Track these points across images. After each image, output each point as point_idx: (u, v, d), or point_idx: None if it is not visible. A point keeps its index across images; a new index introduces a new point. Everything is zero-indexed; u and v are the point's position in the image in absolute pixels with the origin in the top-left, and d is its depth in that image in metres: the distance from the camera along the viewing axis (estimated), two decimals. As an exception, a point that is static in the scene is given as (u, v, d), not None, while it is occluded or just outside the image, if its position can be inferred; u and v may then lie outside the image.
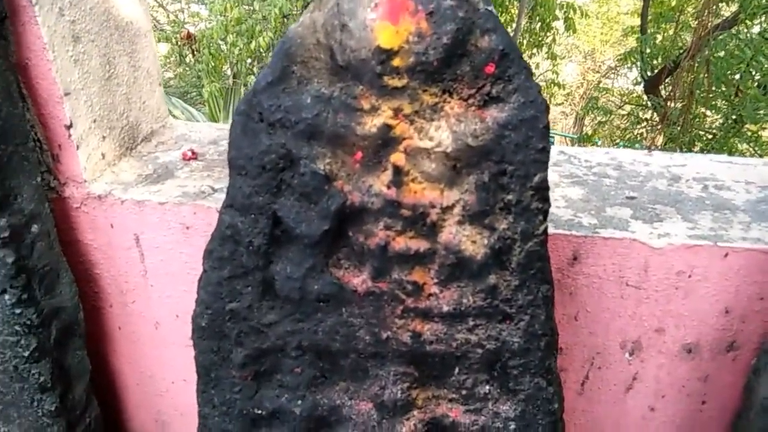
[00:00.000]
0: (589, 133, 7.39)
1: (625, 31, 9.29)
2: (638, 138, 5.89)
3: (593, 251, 1.22)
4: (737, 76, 4.46)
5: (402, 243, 0.94)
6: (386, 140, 0.90)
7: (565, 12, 5.81)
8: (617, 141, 6.64)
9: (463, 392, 1.02)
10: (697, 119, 5.15)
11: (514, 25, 5.56)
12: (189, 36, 5.70)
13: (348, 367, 1.03)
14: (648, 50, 5.31)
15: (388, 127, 0.89)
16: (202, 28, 5.75)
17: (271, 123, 0.91)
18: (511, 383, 1.00)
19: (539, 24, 6.11)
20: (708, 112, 5.13)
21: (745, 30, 4.58)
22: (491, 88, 0.88)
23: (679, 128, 4.87)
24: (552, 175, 1.35)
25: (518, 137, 0.89)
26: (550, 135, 1.06)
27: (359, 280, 0.97)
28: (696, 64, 4.44)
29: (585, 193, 1.34)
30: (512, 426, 1.02)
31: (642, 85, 6.16)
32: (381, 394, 1.02)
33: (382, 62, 0.85)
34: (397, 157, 0.91)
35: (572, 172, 1.44)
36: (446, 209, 0.93)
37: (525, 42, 6.29)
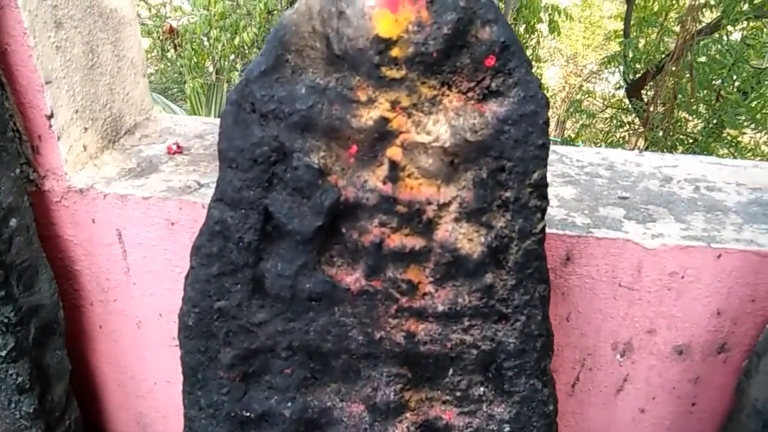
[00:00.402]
0: (572, 136, 7.43)
1: (608, 35, 9.36)
2: (620, 141, 5.93)
3: (586, 251, 1.20)
4: (718, 82, 4.51)
5: (397, 240, 0.92)
6: (383, 134, 0.87)
7: (549, 14, 5.83)
8: (600, 144, 6.68)
9: (457, 394, 1.00)
10: (679, 123, 5.20)
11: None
12: (171, 30, 5.61)
13: (339, 368, 1.00)
14: (631, 54, 5.35)
15: (384, 120, 0.86)
16: (185, 23, 5.67)
17: (264, 114, 0.87)
18: (506, 385, 0.98)
19: (524, 26, 6.12)
20: (689, 117, 5.18)
21: (726, 36, 4.64)
22: (491, 81, 0.86)
23: (661, 132, 4.91)
24: (545, 174, 1.34)
25: (518, 133, 0.87)
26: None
27: (352, 278, 0.94)
28: (679, 69, 4.48)
29: (577, 193, 1.33)
30: (507, 428, 1.00)
31: (624, 89, 6.21)
32: (373, 396, 1.00)
33: (381, 52, 0.83)
34: (394, 152, 0.88)
35: (564, 172, 1.42)
36: (443, 206, 0.90)
37: (509, 44, 6.28)
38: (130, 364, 1.49)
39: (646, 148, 5.31)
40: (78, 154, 1.30)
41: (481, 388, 0.99)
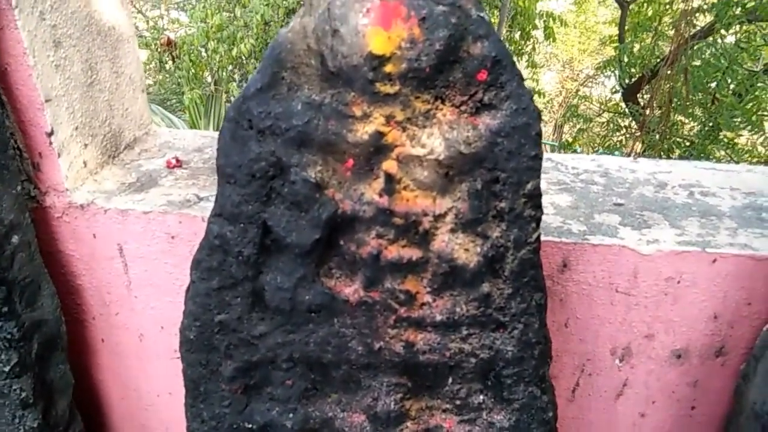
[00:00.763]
0: (569, 140, 7.46)
1: (603, 40, 9.43)
2: (618, 145, 5.96)
3: (583, 258, 1.22)
4: (713, 85, 4.53)
5: (394, 252, 0.93)
6: (378, 147, 0.89)
7: (544, 21, 5.88)
8: (597, 148, 6.71)
9: (457, 402, 1.01)
10: (675, 127, 5.23)
11: (494, 34, 5.59)
12: (169, 42, 5.65)
13: (340, 379, 1.01)
14: (626, 59, 5.38)
15: (380, 134, 0.88)
16: (182, 35, 5.71)
17: (261, 130, 0.89)
18: (505, 392, 0.99)
19: (519, 33, 6.16)
20: (686, 120, 5.20)
21: (720, 40, 4.67)
22: (483, 95, 0.87)
23: (658, 135, 4.94)
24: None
25: (511, 144, 0.88)
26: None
27: (351, 289, 0.96)
28: (674, 73, 4.50)
29: (573, 200, 1.34)
30: (506, 436, 1.01)
31: (620, 93, 6.24)
32: (374, 406, 1.01)
33: (374, 68, 0.84)
34: (390, 165, 0.89)
35: (560, 179, 1.44)
36: (439, 217, 0.92)
37: (505, 50, 6.33)
38: (133, 377, 1.50)
39: (644, 152, 5.33)
40: (78, 170, 1.31)
41: (481, 396, 1.00)
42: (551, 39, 5.89)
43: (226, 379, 1.01)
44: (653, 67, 5.01)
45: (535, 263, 0.94)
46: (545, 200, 1.33)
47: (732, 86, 4.48)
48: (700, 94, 4.69)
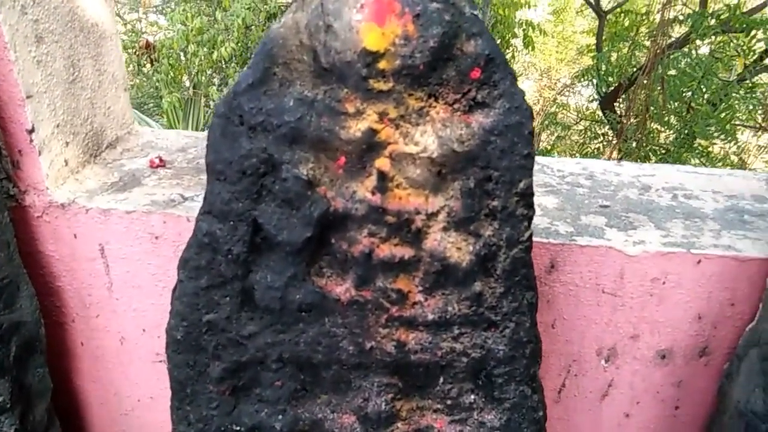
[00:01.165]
0: (547, 148, 7.53)
1: (580, 49, 9.56)
2: (595, 152, 6.03)
3: (570, 259, 1.22)
4: (689, 94, 4.62)
5: (386, 250, 0.92)
6: (371, 145, 0.88)
7: (524, 30, 5.94)
8: (575, 155, 6.78)
9: (448, 402, 1.00)
10: (651, 134, 5.31)
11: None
12: (148, 45, 5.58)
13: (330, 379, 1.00)
14: (603, 68, 5.45)
15: (373, 132, 0.87)
16: (161, 38, 5.65)
17: (252, 126, 0.88)
18: (496, 392, 0.99)
19: (499, 41, 6.22)
20: (661, 128, 5.29)
21: (695, 50, 4.76)
22: (477, 93, 0.87)
23: (634, 143, 5.01)
24: (527, 184, 1.35)
25: (504, 143, 0.88)
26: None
27: (342, 288, 0.95)
28: (651, 82, 4.58)
29: (560, 202, 1.35)
30: (497, 436, 1.00)
31: (598, 101, 6.32)
32: (364, 407, 0.99)
33: (368, 65, 0.84)
34: (382, 162, 0.89)
35: (546, 182, 1.44)
36: (431, 216, 0.91)
37: (485, 58, 6.37)
38: (113, 381, 1.47)
39: (620, 159, 5.41)
40: (59, 169, 1.28)
41: (472, 396, 1.00)
42: (530, 48, 5.96)
43: (214, 380, 0.99)
44: (630, 76, 5.08)
45: (526, 262, 0.94)
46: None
47: (707, 95, 4.57)
48: (675, 102, 4.77)
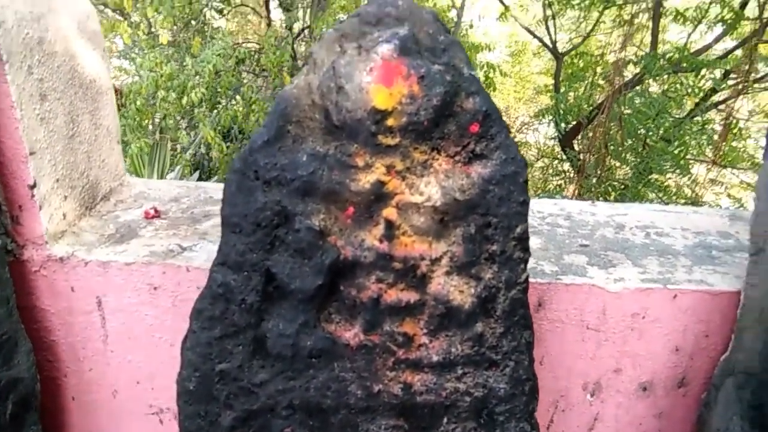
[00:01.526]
0: (511, 184, 7.71)
1: (537, 89, 9.91)
2: (557, 189, 6.22)
3: (556, 297, 1.29)
4: (644, 131, 4.85)
5: (393, 295, 0.97)
6: (379, 195, 0.94)
7: (485, 72, 6.15)
8: (537, 192, 6.97)
9: (453, 441, 1.04)
10: (610, 170, 5.52)
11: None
12: (115, 91, 5.57)
13: (338, 424, 1.03)
14: (562, 107, 5.69)
15: (381, 183, 0.93)
16: (128, 83, 5.65)
17: (267, 181, 0.93)
18: (497, 430, 1.04)
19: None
20: (619, 164, 5.50)
21: (647, 92, 5.03)
22: (475, 145, 0.95)
23: (594, 179, 5.20)
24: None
25: (501, 191, 0.95)
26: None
27: (351, 333, 0.99)
28: (608, 120, 4.80)
29: (542, 242, 1.43)
30: (501, 471, 1.04)
31: (557, 139, 6.56)
32: (373, 448, 1.03)
33: (377, 122, 0.90)
34: (390, 212, 0.95)
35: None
36: (435, 261, 0.97)
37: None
38: (106, 434, 1.46)
39: (581, 195, 5.60)
40: (58, 223, 1.30)
41: (475, 434, 1.04)
42: (492, 89, 6.16)
43: (225, 430, 1.01)
44: (588, 115, 5.31)
45: (524, 302, 1.00)
46: (518, 243, 1.41)
47: (661, 132, 4.81)
48: (632, 139, 5.00)
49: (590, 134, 5.48)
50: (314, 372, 0.99)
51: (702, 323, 1.30)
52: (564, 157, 6.40)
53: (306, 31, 5.69)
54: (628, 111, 4.82)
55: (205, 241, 1.35)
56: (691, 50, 5.15)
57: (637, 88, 5.04)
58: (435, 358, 1.00)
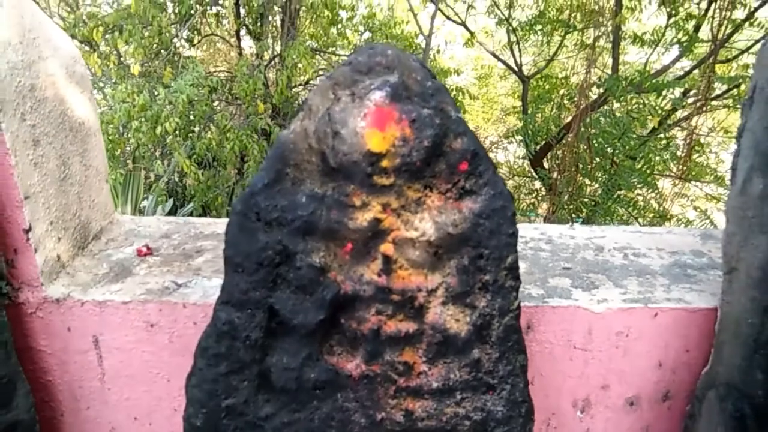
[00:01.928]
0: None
1: (505, 110, 10.13)
2: (530, 207, 6.34)
3: (544, 319, 1.34)
4: (610, 150, 5.01)
5: (393, 326, 1.01)
6: (376, 232, 0.98)
7: (454, 95, 6.29)
8: (510, 210, 7.08)
9: (454, 464, 1.08)
10: (581, 188, 5.67)
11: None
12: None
13: (342, 452, 1.06)
14: (531, 128, 5.84)
15: (377, 221, 0.98)
16: (99, 113, 5.63)
17: (268, 222, 0.97)
18: (496, 451, 1.08)
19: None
20: (589, 182, 5.65)
21: (611, 112, 5.21)
22: (465, 182, 1.00)
23: (566, 197, 5.33)
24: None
25: (491, 224, 1.00)
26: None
27: (353, 365, 1.02)
28: (576, 140, 4.95)
29: (527, 267, 1.48)
30: (500, 492, 1.08)
31: (527, 159, 6.71)
32: (376, 476, 1.06)
33: (372, 164, 0.95)
34: (387, 247, 0.99)
35: (511, 248, 1.58)
36: (431, 292, 1.02)
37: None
38: (103, 474, 1.46)
39: (553, 213, 5.73)
40: (52, 264, 1.31)
41: (475, 457, 1.08)
42: (462, 111, 6.30)
43: (233, 464, 1.03)
44: (556, 135, 5.46)
45: (516, 328, 1.05)
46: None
47: (627, 150, 4.98)
48: (600, 158, 5.15)
49: (560, 153, 5.63)
50: (318, 403, 1.02)
51: (682, 339, 1.37)
52: (535, 176, 6.55)
53: (276, 59, 5.74)
54: (594, 131, 4.98)
55: (199, 276, 1.38)
56: (651, 71, 5.36)
57: (602, 108, 5.21)
58: (435, 385, 1.04)
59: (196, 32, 6.49)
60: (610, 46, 5.64)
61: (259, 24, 6.04)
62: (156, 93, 4.89)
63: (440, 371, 1.04)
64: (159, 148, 5.99)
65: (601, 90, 5.29)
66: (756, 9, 4.70)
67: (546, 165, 6.45)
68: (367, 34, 6.46)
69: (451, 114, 0.98)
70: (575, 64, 6.23)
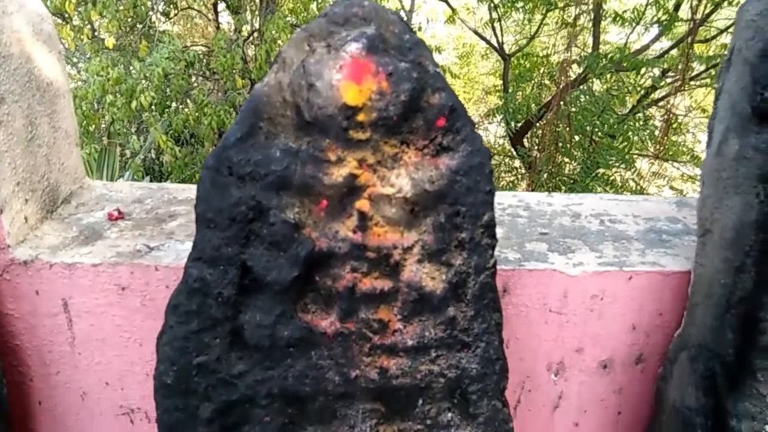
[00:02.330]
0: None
1: (486, 89, 10.11)
2: (509, 185, 6.37)
3: (520, 282, 1.35)
4: (589, 128, 5.04)
5: (368, 284, 1.01)
6: (352, 188, 0.97)
7: (436, 72, 6.25)
8: (490, 189, 7.10)
9: (428, 422, 1.08)
10: (560, 166, 5.70)
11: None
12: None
13: (316, 411, 1.05)
14: (511, 107, 5.84)
15: (353, 176, 0.96)
16: (73, 87, 5.50)
17: (241, 176, 0.95)
18: (471, 408, 1.08)
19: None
20: (568, 160, 5.68)
21: (590, 89, 5.22)
22: (442, 139, 0.99)
23: (545, 175, 5.36)
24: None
25: (468, 181, 1.00)
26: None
27: (327, 322, 1.01)
28: (557, 118, 4.96)
29: (505, 232, 1.48)
30: (475, 449, 1.09)
31: (507, 138, 6.72)
32: (351, 433, 1.06)
33: (348, 117, 0.93)
34: (362, 204, 0.98)
35: (488, 214, 1.58)
36: (407, 249, 1.01)
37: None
38: (75, 439, 1.44)
39: (533, 191, 5.76)
40: (19, 227, 1.28)
41: (449, 414, 1.08)
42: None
43: (204, 422, 1.02)
44: (536, 113, 5.47)
45: (492, 286, 1.05)
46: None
47: (605, 129, 5.00)
48: (579, 136, 5.18)
49: (540, 132, 5.65)
50: (292, 361, 1.02)
51: (656, 302, 1.38)
52: (515, 154, 6.57)
53: (255, 34, 5.65)
54: (574, 109, 5.00)
55: (172, 240, 1.35)
56: (631, 50, 5.37)
57: (582, 86, 5.22)
58: (409, 343, 1.03)
59: (172, 5, 6.36)
60: (590, 24, 5.64)
61: (237, -3, 5.93)
62: (131, 67, 4.79)
63: (415, 329, 1.03)
64: (135, 124, 5.89)
65: (581, 68, 5.29)
66: (735, -12, 4.72)
67: (526, 144, 6.47)
68: (347, 10, 6.36)
69: (429, 68, 0.97)
70: (556, 42, 6.21)
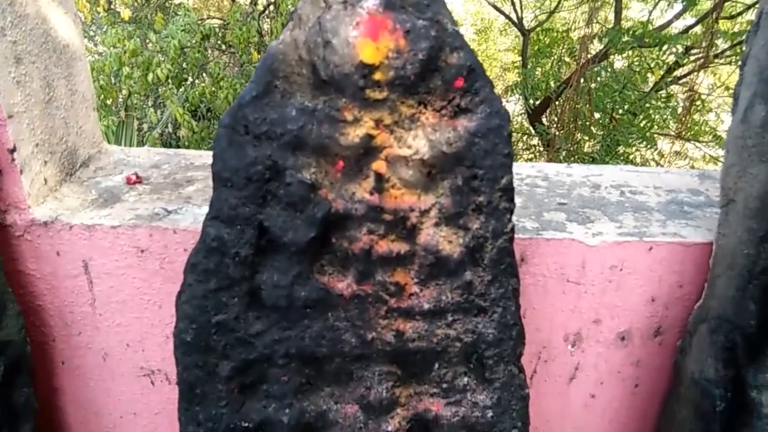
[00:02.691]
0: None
1: (504, 66, 9.98)
2: (527, 163, 6.31)
3: (538, 251, 1.33)
4: (610, 105, 4.96)
5: (384, 246, 1.00)
6: (368, 149, 0.96)
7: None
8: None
9: (444, 386, 1.08)
10: (578, 144, 5.63)
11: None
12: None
13: (333, 372, 1.06)
14: (530, 83, 5.76)
15: (370, 137, 0.95)
16: (91, 60, 5.52)
17: (257, 135, 0.94)
18: (486, 373, 1.08)
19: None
20: (587, 138, 5.61)
21: (611, 65, 5.12)
22: (461, 100, 0.97)
23: (564, 153, 5.30)
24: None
25: (487, 144, 0.98)
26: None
27: (344, 284, 1.01)
28: (576, 95, 4.88)
29: (523, 201, 1.47)
30: (489, 414, 1.09)
31: (526, 115, 6.64)
32: (366, 395, 1.06)
33: (365, 76, 0.92)
34: (379, 165, 0.97)
35: (507, 184, 1.56)
36: (424, 212, 1.00)
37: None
38: (95, 399, 1.46)
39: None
40: (39, 188, 1.29)
41: (465, 378, 1.08)
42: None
43: (223, 380, 1.03)
44: (556, 90, 5.39)
45: (510, 251, 1.04)
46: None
47: (626, 106, 4.92)
48: (599, 113, 5.10)
49: (559, 109, 5.57)
50: (309, 322, 1.02)
51: (676, 274, 1.36)
52: (533, 131, 6.49)
53: (271, 7, 5.60)
54: (594, 85, 4.91)
55: (190, 204, 1.36)
56: (654, 26, 5.25)
57: (603, 62, 5.13)
58: (426, 306, 1.03)
59: (189, -22, 6.32)
60: (613, 0, 5.52)
61: (254, -31, 5.87)
62: (147, 40, 4.78)
63: (432, 293, 1.03)
64: (152, 97, 5.90)
65: (602, 44, 5.19)
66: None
67: (545, 121, 6.39)
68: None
69: (447, 27, 0.95)
70: (576, 17, 6.10)
